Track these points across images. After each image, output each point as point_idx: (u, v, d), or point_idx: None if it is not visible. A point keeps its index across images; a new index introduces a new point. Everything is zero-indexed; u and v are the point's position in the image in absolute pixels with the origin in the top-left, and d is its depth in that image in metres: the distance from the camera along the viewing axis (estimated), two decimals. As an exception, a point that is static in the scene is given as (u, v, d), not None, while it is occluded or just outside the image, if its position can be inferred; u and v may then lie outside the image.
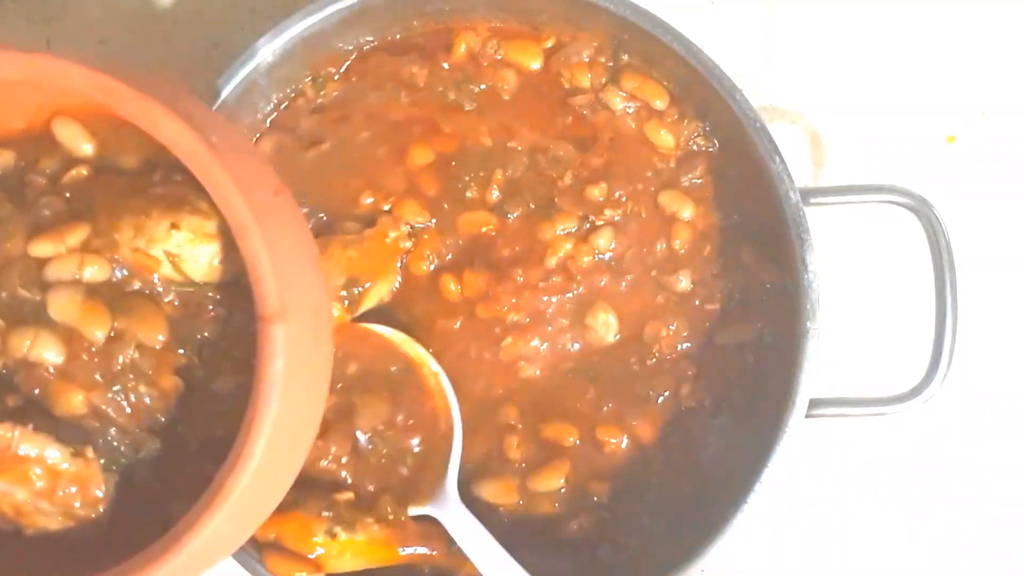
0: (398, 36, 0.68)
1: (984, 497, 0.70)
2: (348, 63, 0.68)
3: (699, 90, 0.63)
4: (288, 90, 0.68)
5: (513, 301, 0.64)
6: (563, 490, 0.64)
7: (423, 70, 0.67)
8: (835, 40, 0.73)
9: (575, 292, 0.64)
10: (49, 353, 0.51)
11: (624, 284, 0.65)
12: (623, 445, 0.64)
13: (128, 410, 0.53)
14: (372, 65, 0.68)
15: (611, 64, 0.67)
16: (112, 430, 0.53)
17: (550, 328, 0.64)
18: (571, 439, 0.64)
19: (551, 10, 0.66)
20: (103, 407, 0.52)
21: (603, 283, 0.64)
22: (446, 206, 0.65)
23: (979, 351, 0.69)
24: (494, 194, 0.65)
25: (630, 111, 0.66)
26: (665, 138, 0.66)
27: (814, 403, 0.60)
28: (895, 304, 0.70)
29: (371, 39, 0.68)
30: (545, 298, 0.64)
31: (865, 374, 0.69)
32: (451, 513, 0.61)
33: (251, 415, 0.48)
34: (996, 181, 0.72)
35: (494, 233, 0.65)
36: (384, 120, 0.67)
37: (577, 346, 0.65)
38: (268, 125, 0.68)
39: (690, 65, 0.62)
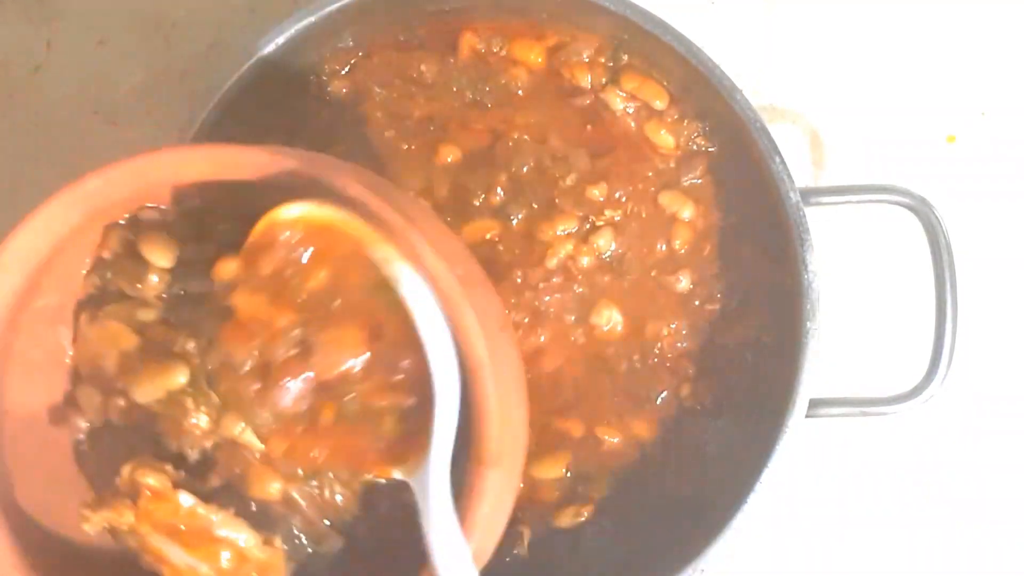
0: (401, 38, 0.68)
1: (984, 497, 0.70)
2: (354, 60, 0.68)
3: (699, 90, 0.63)
4: (293, 86, 0.67)
5: (512, 302, 0.63)
6: (569, 473, 0.64)
7: (432, 67, 0.67)
8: (835, 40, 0.73)
9: (575, 292, 0.64)
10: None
11: (624, 284, 0.65)
12: (622, 443, 0.64)
13: (318, 504, 0.53)
14: (379, 62, 0.68)
15: (611, 64, 0.67)
16: (298, 521, 0.53)
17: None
18: (576, 434, 0.64)
19: (551, 9, 0.66)
20: (296, 497, 0.53)
21: (603, 284, 0.65)
22: (449, 218, 0.65)
23: (979, 351, 0.69)
24: (498, 195, 0.65)
25: (630, 111, 0.66)
26: (665, 138, 0.66)
27: (814, 403, 0.60)
28: (895, 304, 0.70)
29: (375, 39, 0.68)
30: (547, 298, 0.64)
31: (865, 374, 0.69)
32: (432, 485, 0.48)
33: None
34: (996, 181, 0.72)
35: (497, 239, 0.65)
36: (408, 117, 0.67)
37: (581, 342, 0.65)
38: (274, 120, 0.67)
39: (690, 65, 0.62)
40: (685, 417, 0.64)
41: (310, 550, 0.54)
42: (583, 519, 0.64)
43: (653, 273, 0.65)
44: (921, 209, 0.60)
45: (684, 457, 0.64)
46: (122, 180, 0.49)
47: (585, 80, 0.66)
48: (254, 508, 0.52)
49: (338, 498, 0.53)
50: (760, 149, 0.61)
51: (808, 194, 0.61)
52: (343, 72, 0.68)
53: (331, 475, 0.53)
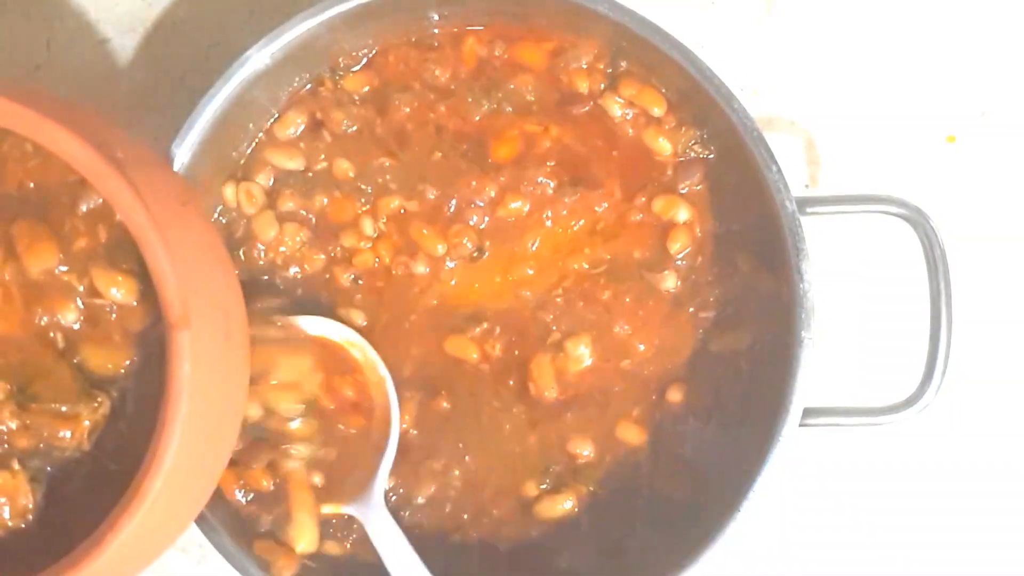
0: (414, 39, 0.68)
1: (978, 507, 0.70)
2: (367, 59, 0.68)
3: (697, 98, 0.63)
4: (306, 77, 0.67)
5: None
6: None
7: (446, 71, 0.67)
8: (833, 44, 0.72)
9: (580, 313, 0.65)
10: None
11: (621, 290, 0.65)
12: (613, 450, 0.65)
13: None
14: (394, 60, 0.68)
15: (610, 70, 0.66)
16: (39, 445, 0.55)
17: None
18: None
19: (550, 15, 0.66)
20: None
21: (604, 301, 0.65)
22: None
23: (974, 361, 0.69)
24: None
25: (628, 117, 0.66)
26: (663, 145, 0.65)
27: (808, 412, 0.60)
28: (891, 313, 0.70)
29: (387, 39, 0.67)
30: (549, 317, 0.65)
31: (860, 384, 0.69)
32: (373, 516, 0.62)
33: (162, 417, 0.50)
34: (996, 182, 0.72)
35: None
36: (444, 129, 0.67)
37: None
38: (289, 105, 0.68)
39: (688, 73, 0.62)
40: (678, 425, 0.64)
41: (55, 470, 0.55)
42: (567, 510, 0.65)
43: (647, 278, 0.65)
44: (916, 219, 0.60)
45: (677, 464, 0.64)
46: None
47: (583, 86, 0.66)
48: None
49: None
50: (757, 158, 0.61)
51: (804, 203, 0.61)
52: (356, 67, 0.68)
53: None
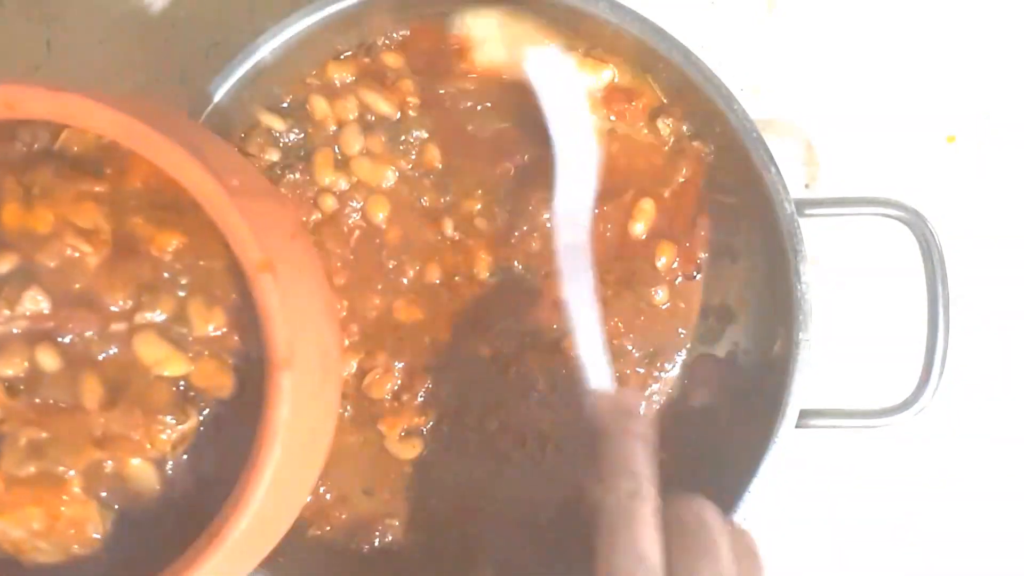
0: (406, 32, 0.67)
1: (974, 510, 0.70)
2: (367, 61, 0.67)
3: (696, 98, 0.63)
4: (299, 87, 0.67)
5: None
6: None
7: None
8: (833, 44, 0.72)
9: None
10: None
11: (622, 290, 0.65)
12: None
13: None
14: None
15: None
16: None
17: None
18: None
19: (550, 14, 0.66)
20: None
21: (606, 297, 0.65)
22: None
23: (971, 363, 0.69)
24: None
25: (628, 117, 0.66)
26: (661, 144, 0.66)
27: (805, 414, 0.61)
28: (888, 315, 0.70)
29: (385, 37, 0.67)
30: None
31: (857, 386, 0.69)
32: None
33: (253, 460, 0.47)
34: (995, 183, 0.72)
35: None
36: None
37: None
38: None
39: (688, 73, 0.62)
40: (675, 426, 0.64)
41: (128, 498, 0.52)
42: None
43: (638, 291, 0.65)
44: (915, 222, 0.60)
45: (672, 466, 0.64)
46: None
47: (585, 86, 0.66)
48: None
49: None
50: (756, 159, 0.61)
51: (803, 205, 0.61)
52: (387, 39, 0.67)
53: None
